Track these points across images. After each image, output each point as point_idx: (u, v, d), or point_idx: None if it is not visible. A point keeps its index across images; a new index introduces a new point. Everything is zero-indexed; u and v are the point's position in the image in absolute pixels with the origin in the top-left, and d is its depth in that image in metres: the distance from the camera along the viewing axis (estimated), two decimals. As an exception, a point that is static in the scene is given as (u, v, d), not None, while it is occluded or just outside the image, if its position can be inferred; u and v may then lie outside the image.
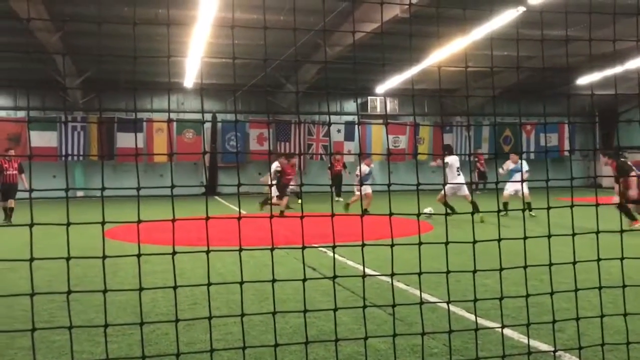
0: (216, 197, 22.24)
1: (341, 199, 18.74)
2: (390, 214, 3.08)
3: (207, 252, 2.73)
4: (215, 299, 5.08)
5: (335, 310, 2.92)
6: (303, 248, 3.04)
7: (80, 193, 24.27)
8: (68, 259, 2.58)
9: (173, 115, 25.31)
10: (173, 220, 2.74)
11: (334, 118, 27.29)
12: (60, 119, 24.16)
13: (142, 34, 16.58)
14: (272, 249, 2.85)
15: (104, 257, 2.67)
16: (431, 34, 16.53)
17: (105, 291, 2.64)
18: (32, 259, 2.53)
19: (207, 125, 25.98)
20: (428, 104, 29.10)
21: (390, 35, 17.39)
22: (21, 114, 24.31)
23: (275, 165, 15.80)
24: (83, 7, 15.63)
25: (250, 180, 23.69)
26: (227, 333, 4.23)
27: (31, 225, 2.61)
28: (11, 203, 13.12)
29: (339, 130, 26.53)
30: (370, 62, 20.79)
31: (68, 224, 2.61)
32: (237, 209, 12.74)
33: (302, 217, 2.89)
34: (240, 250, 2.73)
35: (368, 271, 6.35)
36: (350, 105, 28.31)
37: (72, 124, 24.14)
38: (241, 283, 2.80)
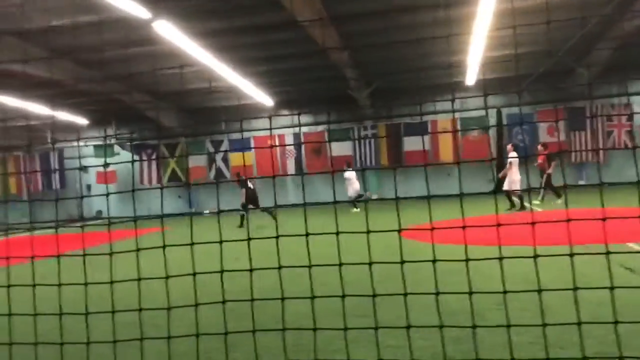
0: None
1: None
2: None
3: (535, 256, 2.55)
4: (528, 301, 4.82)
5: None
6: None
7: (374, 196, 25.88)
8: (369, 264, 2.68)
9: (456, 115, 25.32)
10: (462, 225, 2.63)
11: (638, 99, 23.96)
12: (353, 129, 26.21)
13: (420, 38, 16.91)
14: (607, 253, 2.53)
15: (402, 262, 2.70)
16: None
17: (405, 294, 2.66)
18: (340, 264, 2.68)
19: (492, 121, 25.30)
20: None
21: None
22: (320, 128, 27.06)
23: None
24: (365, 24, 16.60)
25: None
26: (537, 336, 3.95)
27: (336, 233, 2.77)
28: None
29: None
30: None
31: (368, 232, 2.71)
32: (531, 206, 11.91)
33: (603, 219, 2.50)
34: (572, 254, 2.49)
35: None
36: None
37: (363, 132, 25.99)
38: (576, 290, 2.55)
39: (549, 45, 18.46)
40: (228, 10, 14.56)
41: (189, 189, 16.69)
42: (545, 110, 24.63)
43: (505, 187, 15.66)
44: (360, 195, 20.81)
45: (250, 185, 17.62)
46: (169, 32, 14.14)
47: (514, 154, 16.35)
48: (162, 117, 25.92)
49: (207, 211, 27.18)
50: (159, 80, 20.97)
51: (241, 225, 16.85)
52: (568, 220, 2.65)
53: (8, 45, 15.52)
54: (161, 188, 4.28)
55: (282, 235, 2.94)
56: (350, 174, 20.56)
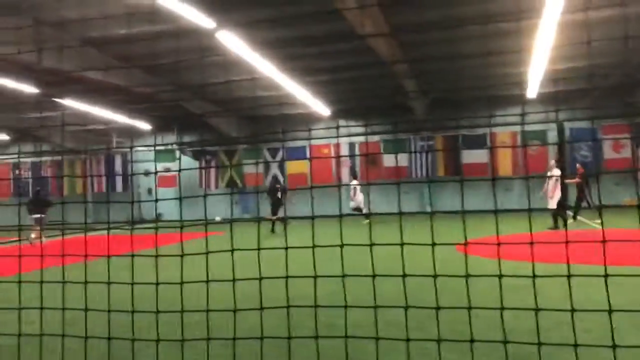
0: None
1: None
2: None
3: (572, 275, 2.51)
4: (571, 324, 4.69)
5: None
6: None
7: (428, 208, 25.63)
8: (434, 276, 2.69)
9: (516, 128, 24.79)
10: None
11: None
12: (410, 140, 26.07)
13: (480, 49, 16.69)
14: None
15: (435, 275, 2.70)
16: None
17: (469, 308, 2.66)
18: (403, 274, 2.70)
19: (554, 135, 24.65)
20: None
21: None
22: (376, 138, 27.03)
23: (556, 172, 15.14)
24: (424, 34, 16.51)
25: (602, 195, 21.38)
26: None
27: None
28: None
29: None
30: None
31: (433, 244, 2.72)
32: (592, 225, 11.61)
33: None
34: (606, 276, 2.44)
35: None
36: None
37: (420, 143, 25.81)
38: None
39: (617, 57, 17.86)
40: (288, 20, 14.82)
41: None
42: (611, 125, 23.81)
43: (551, 205, 15.17)
44: (359, 209, 20.58)
45: (278, 194, 18.33)
46: (231, 41, 14.49)
47: (556, 170, 15.73)
48: (222, 124, 26.53)
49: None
50: (222, 88, 21.49)
51: (273, 231, 17.55)
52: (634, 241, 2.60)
53: (86, 54, 16.35)
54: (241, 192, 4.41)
55: (346, 245, 2.99)
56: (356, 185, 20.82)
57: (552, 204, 14.99)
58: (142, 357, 4.32)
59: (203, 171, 28.23)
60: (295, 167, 26.70)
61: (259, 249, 3.18)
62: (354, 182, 21.51)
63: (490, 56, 17.78)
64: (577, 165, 18.89)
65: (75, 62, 16.40)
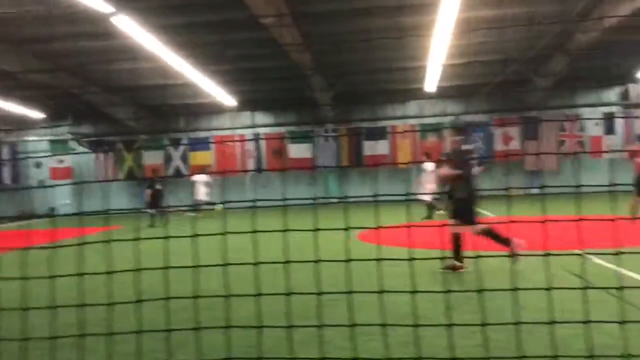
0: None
1: None
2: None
3: (477, 257, 2.62)
4: (478, 304, 4.92)
5: (622, 323, 2.57)
6: (579, 255, 2.74)
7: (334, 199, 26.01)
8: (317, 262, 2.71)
9: (414, 121, 25.66)
10: (410, 226, 2.68)
11: (588, 110, 24.77)
12: (314, 132, 26.27)
13: (381, 43, 17.09)
14: (545, 254, 2.63)
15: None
16: None
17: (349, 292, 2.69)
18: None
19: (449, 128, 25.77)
20: None
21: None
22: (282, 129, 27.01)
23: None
24: (329, 26, 16.68)
25: (495, 184, 22.64)
26: (485, 339, 4.06)
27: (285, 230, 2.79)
28: None
29: (596, 124, 24.07)
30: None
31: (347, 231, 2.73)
32: (484, 212, 12.20)
33: (579, 220, 2.61)
34: (513, 255, 2.57)
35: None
36: (610, 95, 25.37)
37: (324, 135, 26.07)
38: (515, 290, 2.63)
39: (507, 55, 18.92)
40: (189, 6, 14.44)
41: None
42: (502, 118, 25.29)
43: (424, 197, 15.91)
44: (208, 202, 20.59)
45: (158, 186, 18.30)
46: (130, 26, 13.87)
47: (429, 164, 16.39)
48: (120, 113, 25.42)
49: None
50: (116, 75, 20.57)
51: (152, 225, 17.19)
52: (509, 222, 2.72)
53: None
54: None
55: (229, 232, 2.93)
56: (200, 177, 20.96)
57: (426, 196, 15.74)
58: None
59: (101, 162, 26.97)
60: (200, 158, 26.14)
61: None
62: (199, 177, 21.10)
63: (388, 49, 18.27)
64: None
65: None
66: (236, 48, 17.65)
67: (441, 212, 15.90)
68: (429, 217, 15.53)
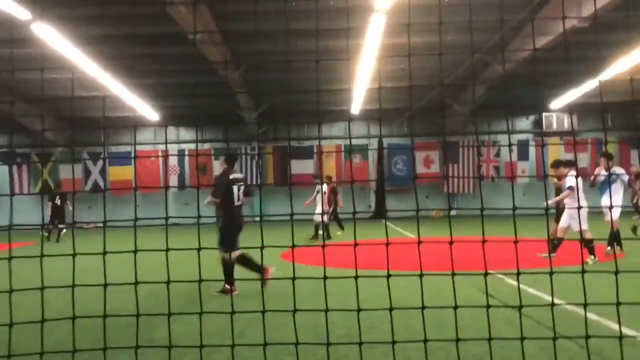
0: (384, 221, 22.34)
1: None
2: (582, 240, 2.83)
3: (388, 276, 2.72)
4: (396, 323, 5.04)
5: (522, 339, 2.73)
6: (485, 274, 2.90)
7: (257, 217, 25.87)
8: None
9: (340, 142, 26.09)
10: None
11: (504, 137, 26.10)
12: (240, 149, 26.12)
13: (311, 65, 17.35)
14: (452, 274, 2.76)
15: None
16: (612, 42, 15.39)
17: (294, 311, 2.73)
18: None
19: (373, 150, 26.38)
20: (612, 118, 26.60)
21: (568, 46, 16.33)
22: (207, 146, 26.68)
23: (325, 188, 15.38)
24: (260, 45, 16.76)
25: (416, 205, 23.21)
26: (406, 357, 4.17)
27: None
28: None
29: (511, 150, 25.37)
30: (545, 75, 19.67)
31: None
32: (406, 233, 12.56)
33: (483, 242, 2.76)
34: (422, 275, 2.69)
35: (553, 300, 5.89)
36: (523, 123, 26.87)
37: (250, 153, 25.98)
38: (421, 308, 2.75)
39: (430, 81, 19.64)
40: (114, 18, 14.12)
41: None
42: (423, 142, 26.15)
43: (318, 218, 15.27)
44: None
45: (57, 201, 17.70)
46: (49, 35, 13.35)
47: (324, 186, 15.45)
48: (37, 124, 24.28)
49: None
50: (35, 85, 19.68)
51: (49, 239, 16.79)
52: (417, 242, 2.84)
53: None
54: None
55: (140, 250, 2.89)
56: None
57: (317, 217, 15.23)
58: None
59: (14, 175, 25.61)
60: (119, 173, 25.34)
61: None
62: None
63: (316, 71, 18.48)
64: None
65: None
66: (162, 63, 17.36)
67: (338, 233, 16.15)
68: (316, 237, 15.23)
